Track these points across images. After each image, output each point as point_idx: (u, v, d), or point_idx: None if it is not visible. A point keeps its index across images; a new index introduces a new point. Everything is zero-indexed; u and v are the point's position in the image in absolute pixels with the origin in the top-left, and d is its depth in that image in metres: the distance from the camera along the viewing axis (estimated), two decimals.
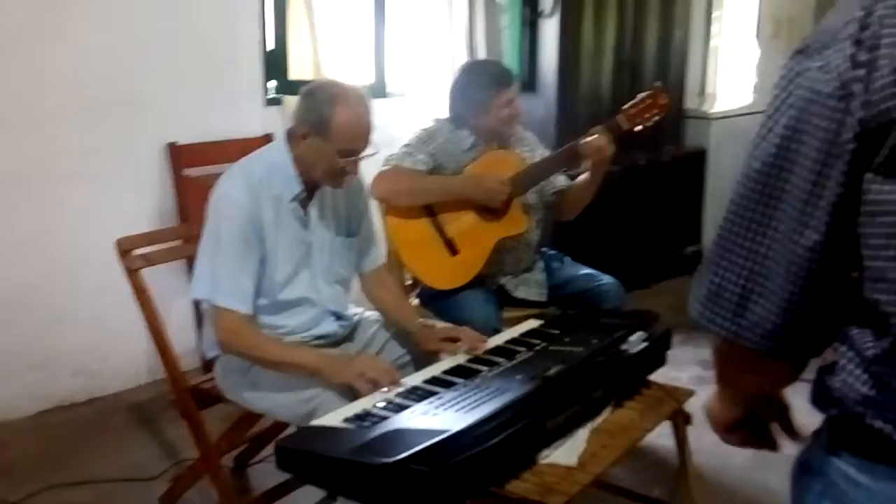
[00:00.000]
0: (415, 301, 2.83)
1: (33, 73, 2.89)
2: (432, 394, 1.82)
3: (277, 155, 2.08)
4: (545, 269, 2.82)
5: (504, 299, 2.76)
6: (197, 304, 2.93)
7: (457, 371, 1.98)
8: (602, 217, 3.81)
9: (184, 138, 3.24)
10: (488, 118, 2.66)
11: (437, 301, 2.69)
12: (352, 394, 1.93)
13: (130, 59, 3.10)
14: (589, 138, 2.59)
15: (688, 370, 3.27)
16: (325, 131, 1.99)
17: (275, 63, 3.49)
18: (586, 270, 2.80)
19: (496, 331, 2.51)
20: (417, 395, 1.83)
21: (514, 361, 1.99)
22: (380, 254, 2.37)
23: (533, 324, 2.30)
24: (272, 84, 3.52)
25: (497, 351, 2.10)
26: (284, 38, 3.50)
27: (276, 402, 2.05)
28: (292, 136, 2.08)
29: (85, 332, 3.10)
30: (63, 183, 2.99)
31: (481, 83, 2.68)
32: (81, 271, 3.02)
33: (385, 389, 1.85)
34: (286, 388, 2.01)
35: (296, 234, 2.10)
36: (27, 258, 2.96)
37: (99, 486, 2.57)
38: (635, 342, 2.05)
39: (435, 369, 2.00)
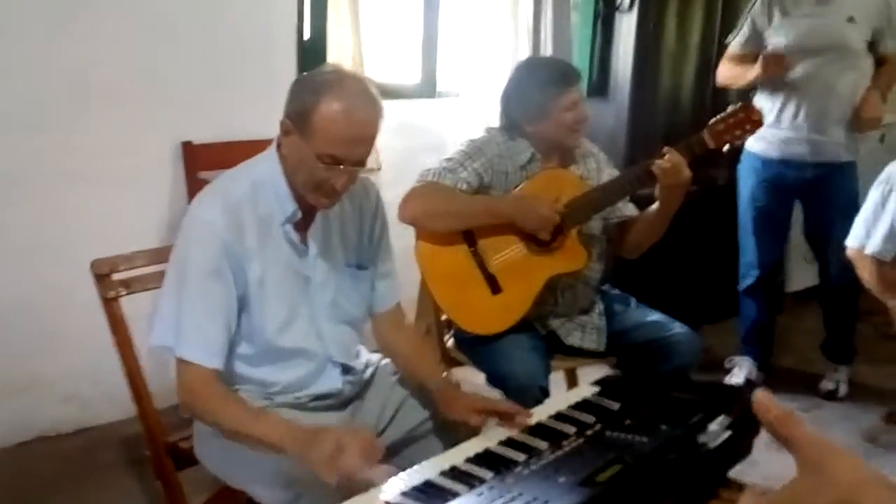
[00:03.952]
0: (450, 342, 2.41)
1: (31, 60, 2.56)
2: (446, 496, 1.39)
3: (265, 166, 1.67)
4: (605, 311, 2.36)
5: (554, 344, 2.31)
6: None
7: (483, 459, 1.54)
8: (671, 243, 3.34)
9: (200, 137, 2.88)
10: (548, 124, 2.22)
11: (473, 346, 2.26)
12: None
13: (142, 45, 2.75)
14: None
15: (764, 434, 2.77)
16: (305, 127, 1.56)
17: (311, 55, 3.10)
18: (655, 317, 2.33)
19: (542, 389, 2.09)
20: (425, 495, 1.40)
21: (559, 452, 1.53)
22: (395, 291, 1.91)
23: (586, 392, 1.84)
24: None
25: (539, 430, 1.66)
26: (324, 26, 3.12)
27: (256, 480, 1.64)
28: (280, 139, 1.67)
29: (77, 354, 2.75)
30: (60, 184, 2.66)
31: (540, 82, 2.23)
32: (77, 285, 2.61)
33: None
34: (268, 466, 1.59)
35: (290, 266, 1.69)
36: (16, 269, 2.64)
37: None
38: (716, 432, 1.57)
39: (455, 455, 1.56)
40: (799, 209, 3.34)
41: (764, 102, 3.06)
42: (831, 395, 3.32)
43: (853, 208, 3.13)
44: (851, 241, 2.93)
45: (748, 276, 3.35)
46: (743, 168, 3.29)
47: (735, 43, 3.17)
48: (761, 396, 0.69)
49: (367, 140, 1.60)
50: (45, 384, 2.74)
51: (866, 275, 2.88)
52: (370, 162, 1.65)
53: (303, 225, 1.70)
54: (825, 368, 3.41)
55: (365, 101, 1.58)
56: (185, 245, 1.61)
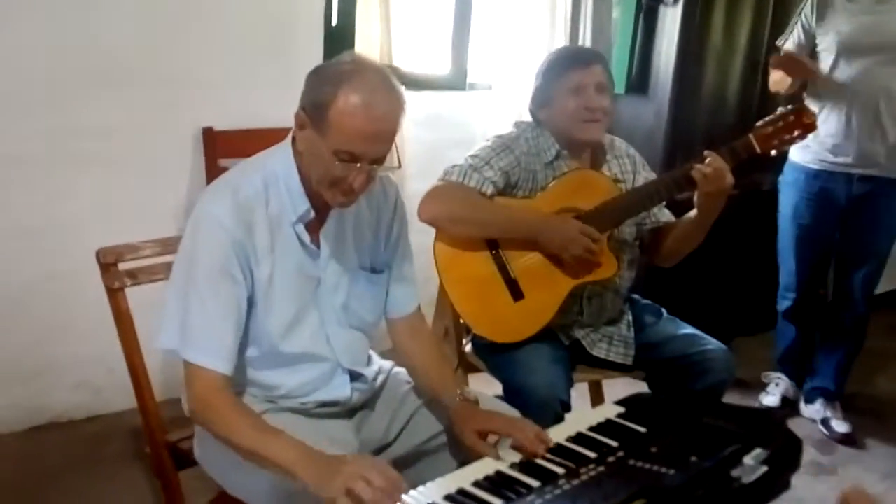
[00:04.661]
0: (468, 347, 2.30)
1: (42, 36, 2.48)
2: None
3: (279, 161, 1.56)
4: (634, 322, 2.23)
5: (578, 355, 2.19)
6: None
7: (494, 483, 1.42)
8: (708, 251, 3.21)
9: (222, 123, 2.80)
10: (553, 111, 2.11)
11: (492, 354, 2.15)
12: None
13: (165, 26, 2.67)
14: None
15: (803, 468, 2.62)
16: (321, 121, 1.44)
17: (337, 41, 3.02)
18: (687, 330, 2.19)
19: (563, 403, 1.97)
20: None
21: (576, 481, 1.42)
22: (414, 296, 1.80)
23: (609, 412, 1.72)
24: None
25: (556, 452, 1.54)
26: (352, 13, 3.02)
27: (253, 491, 1.55)
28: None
29: (90, 341, 2.68)
30: (72, 169, 2.60)
31: (549, 66, 2.12)
32: (89, 271, 2.59)
33: None
34: (267, 479, 1.48)
35: (300, 268, 1.58)
36: (27, 254, 2.59)
37: None
38: (752, 467, 1.45)
39: (464, 477, 1.44)
40: None
41: (810, 105, 2.86)
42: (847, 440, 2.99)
43: (893, 231, 2.94)
44: None
45: (786, 299, 3.17)
46: (785, 181, 3.08)
47: (786, 46, 2.98)
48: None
49: (387, 136, 1.48)
50: (57, 370, 2.70)
51: None
52: (390, 159, 1.53)
53: (315, 225, 1.60)
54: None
55: (386, 95, 1.45)
56: (194, 243, 1.52)
